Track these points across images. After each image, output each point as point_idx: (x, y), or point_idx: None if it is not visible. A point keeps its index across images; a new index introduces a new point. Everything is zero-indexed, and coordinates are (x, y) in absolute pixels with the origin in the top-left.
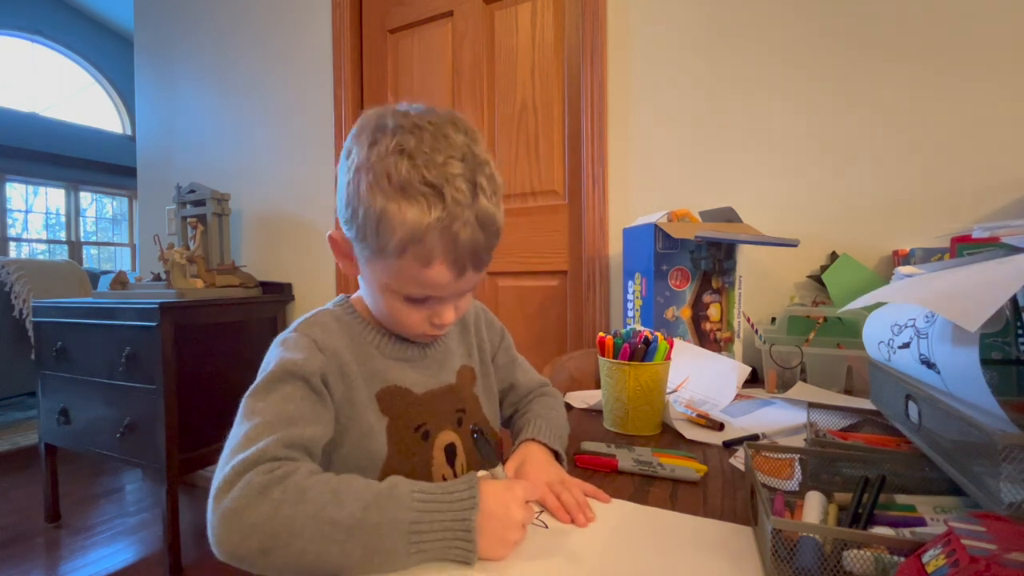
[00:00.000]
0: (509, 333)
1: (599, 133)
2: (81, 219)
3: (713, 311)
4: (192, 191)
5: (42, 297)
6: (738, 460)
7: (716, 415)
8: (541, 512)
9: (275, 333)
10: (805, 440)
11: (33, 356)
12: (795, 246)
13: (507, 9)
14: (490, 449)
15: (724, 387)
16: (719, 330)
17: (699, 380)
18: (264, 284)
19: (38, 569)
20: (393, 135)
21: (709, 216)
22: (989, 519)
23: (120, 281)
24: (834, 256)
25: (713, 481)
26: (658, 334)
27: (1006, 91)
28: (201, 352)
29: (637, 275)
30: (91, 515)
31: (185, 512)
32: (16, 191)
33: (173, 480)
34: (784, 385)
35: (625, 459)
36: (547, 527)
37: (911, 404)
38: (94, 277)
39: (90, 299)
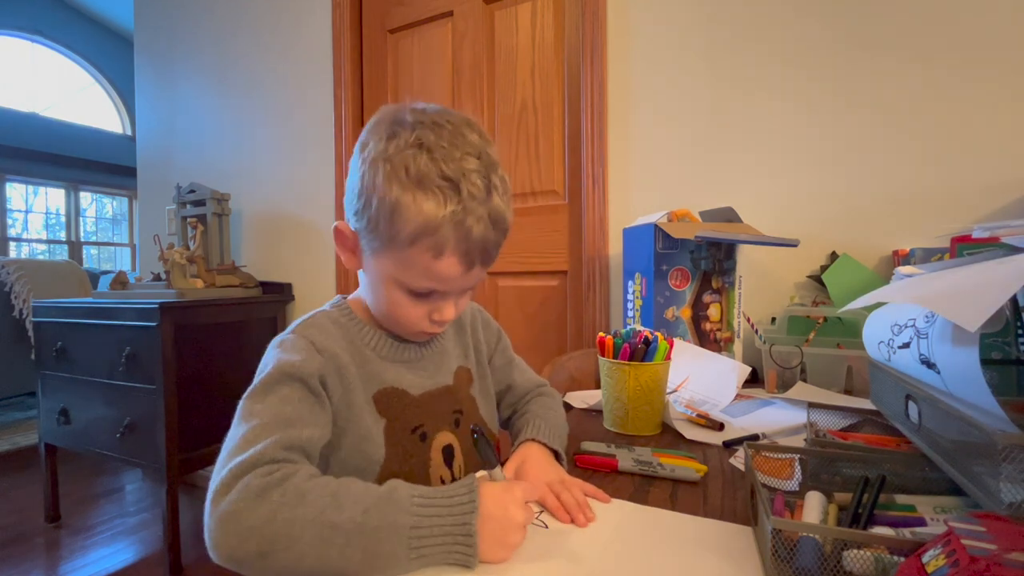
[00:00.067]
0: (506, 334)
1: (599, 133)
2: (81, 219)
3: (713, 311)
4: (192, 191)
5: (42, 297)
6: (738, 460)
7: (716, 415)
8: (541, 512)
9: (275, 333)
10: (805, 440)
11: (33, 356)
12: (795, 246)
13: (507, 9)
14: (490, 449)
15: (724, 387)
16: (719, 330)
17: (699, 380)
18: (264, 284)
19: (38, 569)
20: (412, 129)
21: (709, 216)
22: (989, 519)
23: (120, 281)
24: (834, 256)
25: (713, 481)
26: (658, 334)
27: (1006, 91)
28: (201, 352)
29: (637, 275)
30: (91, 515)
31: (185, 512)
32: (16, 191)
33: (173, 480)
34: (784, 385)
35: (625, 459)
36: (547, 527)
37: (911, 404)
38: (94, 277)
39: (90, 299)
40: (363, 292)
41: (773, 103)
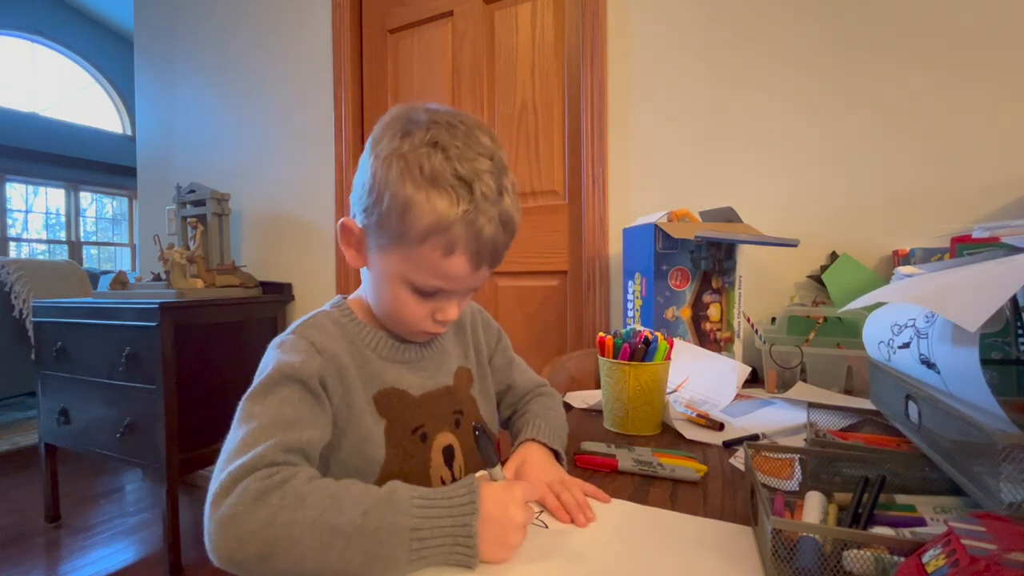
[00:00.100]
0: (506, 334)
1: (599, 133)
2: (81, 219)
3: (713, 311)
4: (192, 191)
5: (42, 297)
6: (738, 460)
7: (716, 415)
8: (541, 512)
9: (275, 333)
10: (805, 440)
11: (33, 356)
12: (795, 246)
13: (507, 9)
14: (491, 447)
15: (724, 387)
16: (719, 330)
17: (699, 380)
18: (264, 284)
19: (38, 569)
20: (427, 129)
21: (709, 216)
22: (989, 519)
23: (120, 281)
24: (834, 256)
25: (713, 481)
26: (658, 334)
27: (1006, 91)
28: (201, 352)
29: (637, 275)
30: (91, 515)
31: (185, 512)
32: (16, 191)
33: (173, 480)
34: (784, 385)
35: (625, 459)
36: (547, 527)
37: (911, 404)
38: (94, 277)
39: (90, 299)
40: (365, 291)
41: (773, 103)
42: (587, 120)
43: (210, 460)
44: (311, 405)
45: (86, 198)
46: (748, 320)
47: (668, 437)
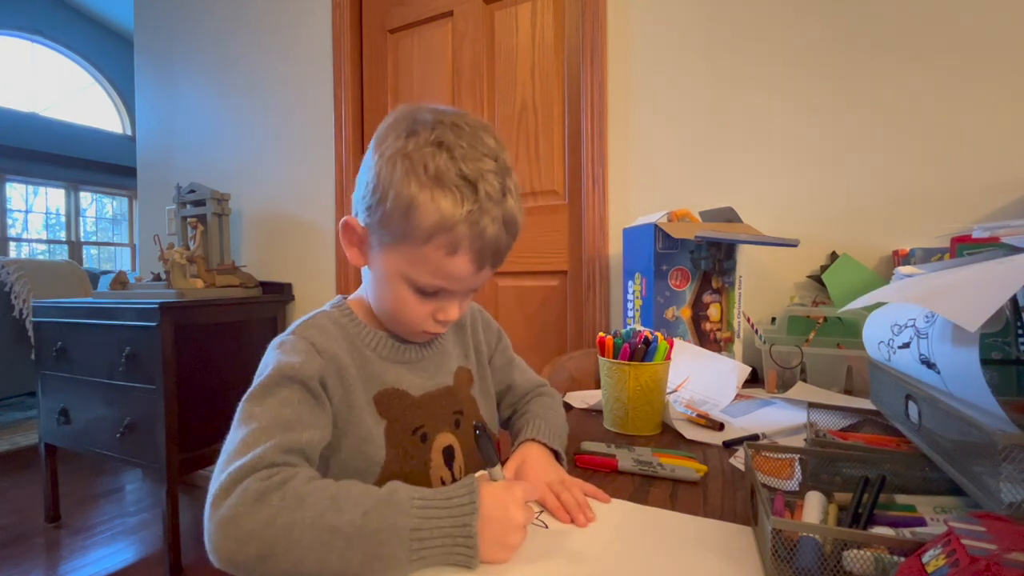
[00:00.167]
0: (506, 334)
1: (599, 133)
2: (81, 219)
3: (713, 311)
4: (192, 191)
5: (42, 297)
6: (738, 460)
7: (716, 415)
8: (541, 512)
9: (275, 333)
10: (805, 440)
11: (33, 356)
12: (795, 246)
13: (507, 9)
14: (491, 446)
15: (724, 387)
16: (719, 330)
17: (699, 380)
18: (264, 284)
19: (38, 569)
20: (432, 129)
21: (709, 216)
22: (989, 519)
23: (120, 281)
24: (834, 256)
25: (713, 481)
26: (658, 334)
27: (1006, 91)
28: (201, 352)
29: (637, 275)
30: (91, 515)
31: (185, 512)
32: (16, 191)
33: (173, 480)
34: (784, 385)
35: (625, 459)
36: (547, 527)
37: (911, 404)
38: (94, 277)
39: (90, 299)
40: (366, 290)
41: (773, 103)
42: (587, 120)
43: (210, 460)
44: (311, 406)
45: (86, 198)
46: (748, 320)
47: (668, 437)
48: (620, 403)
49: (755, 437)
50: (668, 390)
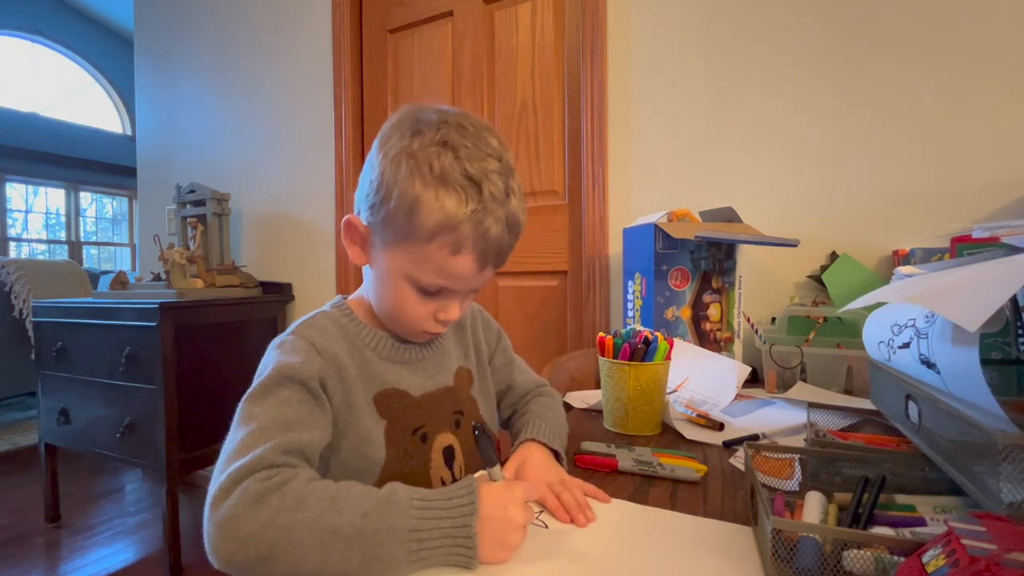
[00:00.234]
0: (506, 334)
1: (599, 133)
2: (81, 219)
3: (713, 311)
4: (192, 191)
5: (42, 297)
6: (738, 460)
7: (716, 415)
8: (541, 512)
9: (275, 333)
10: (805, 440)
11: (33, 356)
12: (795, 246)
13: (507, 9)
14: (490, 446)
15: (724, 387)
16: (719, 330)
17: (699, 380)
18: (264, 284)
19: (38, 569)
20: (437, 129)
21: (709, 216)
22: (989, 519)
23: (120, 281)
24: (834, 256)
25: (713, 481)
26: (658, 334)
27: (1006, 91)
28: (201, 352)
29: (637, 275)
30: (91, 515)
31: (185, 512)
32: (16, 191)
33: (173, 480)
34: (784, 385)
35: (625, 459)
36: (547, 527)
37: (911, 404)
38: (94, 277)
39: (90, 299)
40: (367, 290)
41: (773, 103)
42: (587, 120)
43: (210, 460)
44: (311, 406)
45: (86, 198)
46: (748, 320)
47: (668, 437)
48: (620, 403)
49: (755, 437)
50: (668, 390)
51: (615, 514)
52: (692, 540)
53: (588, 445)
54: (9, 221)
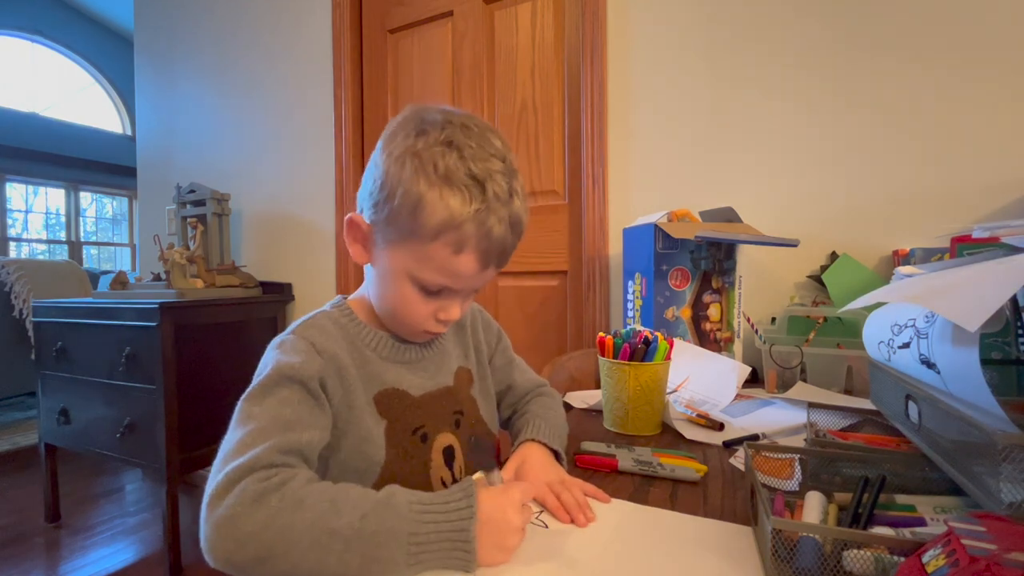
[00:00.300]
0: (506, 334)
1: (599, 133)
2: (81, 219)
3: (713, 311)
4: (192, 191)
5: (42, 297)
6: (738, 460)
7: (716, 415)
8: (541, 512)
9: (275, 333)
10: (805, 440)
11: (33, 356)
12: (795, 246)
13: (507, 9)
14: (486, 454)
15: (724, 387)
16: (719, 330)
17: (699, 380)
18: (264, 284)
19: (38, 569)
20: (442, 128)
21: (709, 216)
22: (989, 519)
23: (120, 281)
24: (834, 256)
25: (713, 481)
26: (658, 334)
27: (1006, 91)
28: (201, 352)
29: (637, 275)
30: (91, 515)
31: (185, 512)
32: (16, 191)
33: (173, 480)
34: (784, 385)
35: (625, 459)
36: (547, 527)
37: (911, 404)
38: (94, 277)
39: (90, 299)
40: (368, 289)
41: (773, 103)
42: (587, 120)
43: (210, 460)
44: (310, 406)
45: (86, 198)
46: (748, 320)
47: (668, 437)
48: (620, 403)
49: (755, 437)
50: (668, 390)
51: (615, 514)
52: (692, 540)
53: (588, 445)
54: (9, 221)
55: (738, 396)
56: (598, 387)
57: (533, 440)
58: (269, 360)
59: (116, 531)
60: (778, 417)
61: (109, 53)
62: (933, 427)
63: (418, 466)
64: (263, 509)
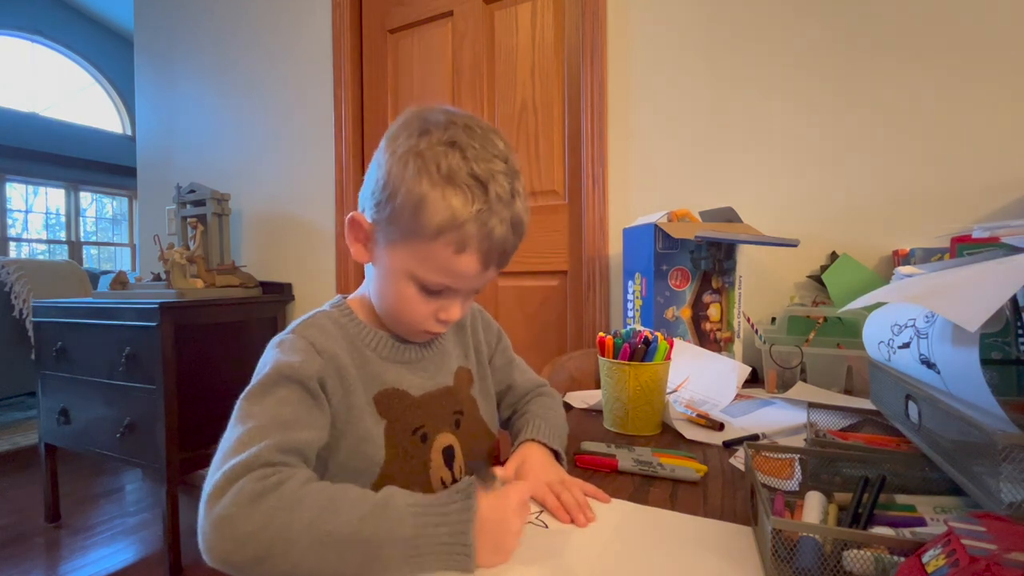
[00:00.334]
0: (506, 334)
1: (599, 133)
2: (81, 219)
3: (713, 311)
4: (192, 191)
5: (42, 297)
6: (738, 460)
7: (716, 415)
8: (541, 512)
9: (275, 333)
10: (805, 440)
11: (33, 356)
12: (795, 246)
13: (507, 9)
14: (488, 475)
15: (724, 387)
16: (719, 330)
17: (699, 380)
18: (264, 284)
19: (38, 569)
20: (445, 129)
21: (709, 216)
22: (989, 519)
23: (120, 281)
24: (834, 256)
25: (713, 481)
26: (658, 334)
27: (1006, 91)
28: (201, 352)
29: (637, 275)
30: (91, 515)
31: (185, 512)
32: (16, 191)
33: (173, 480)
34: (784, 385)
35: (625, 459)
36: (547, 527)
37: (911, 404)
38: (94, 277)
39: (90, 299)
40: (368, 288)
41: (773, 103)
42: (587, 120)
43: (210, 460)
44: (309, 406)
45: (86, 198)
46: (748, 320)
47: (668, 437)
48: (620, 403)
49: (755, 437)
50: (668, 390)
51: (615, 514)
52: (692, 540)
53: (588, 445)
54: (9, 221)
55: (738, 396)
56: (598, 387)
57: (533, 440)
58: (268, 359)
59: (116, 531)
60: (778, 417)
61: (109, 53)
62: (933, 427)
63: (418, 466)
64: (260, 510)
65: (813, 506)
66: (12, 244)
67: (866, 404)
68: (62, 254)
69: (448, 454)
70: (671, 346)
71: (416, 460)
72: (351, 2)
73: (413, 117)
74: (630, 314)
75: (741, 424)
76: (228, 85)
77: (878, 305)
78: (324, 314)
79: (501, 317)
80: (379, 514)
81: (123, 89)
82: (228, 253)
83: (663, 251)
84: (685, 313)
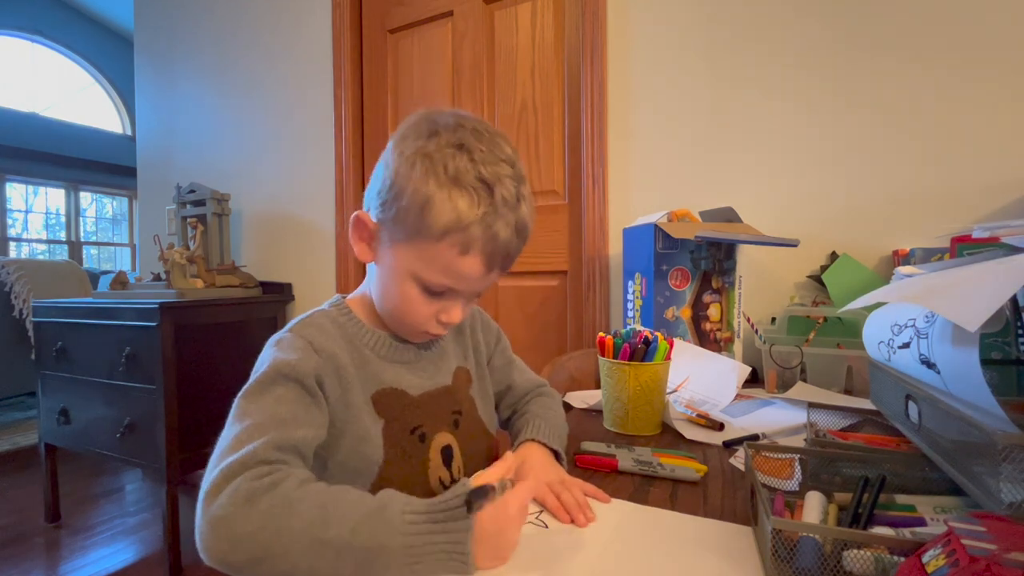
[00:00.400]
0: (505, 335)
1: (599, 133)
2: (81, 219)
3: (713, 311)
4: (192, 191)
5: (42, 297)
6: (738, 460)
7: (716, 415)
8: (541, 512)
9: (275, 333)
10: (805, 440)
11: (33, 356)
12: (795, 246)
13: (507, 9)
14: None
15: (724, 387)
16: (719, 330)
17: (699, 380)
18: (264, 284)
19: (38, 569)
20: (454, 131)
21: (709, 216)
22: (989, 519)
23: (120, 281)
24: (834, 256)
25: (713, 481)
26: (658, 334)
27: (1006, 91)
28: (201, 352)
29: (637, 275)
30: (91, 515)
31: (185, 512)
32: (16, 191)
33: (173, 480)
34: (784, 385)
35: (625, 459)
36: (547, 527)
37: (911, 404)
38: (94, 277)
39: (90, 299)
40: (370, 288)
41: (773, 103)
42: (587, 120)
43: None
44: (307, 404)
45: (86, 198)
46: (748, 320)
47: (668, 437)
48: (620, 403)
49: (755, 437)
50: (668, 390)
51: (615, 514)
52: (692, 540)
53: (588, 445)
54: (9, 221)
55: (738, 396)
56: (598, 387)
57: (533, 440)
58: (266, 357)
59: (116, 531)
60: (778, 417)
61: (109, 53)
62: (933, 427)
63: (416, 466)
64: (257, 510)
65: (813, 506)
66: (12, 244)
67: (866, 404)
68: (62, 254)
69: (446, 454)
70: (671, 346)
71: (415, 460)
72: (351, 2)
73: (422, 119)
74: (630, 314)
75: (741, 424)
76: (228, 85)
77: (878, 305)
78: (323, 313)
79: (501, 317)
80: (373, 524)
81: (123, 89)
82: (228, 253)
83: (663, 251)
84: (685, 313)
